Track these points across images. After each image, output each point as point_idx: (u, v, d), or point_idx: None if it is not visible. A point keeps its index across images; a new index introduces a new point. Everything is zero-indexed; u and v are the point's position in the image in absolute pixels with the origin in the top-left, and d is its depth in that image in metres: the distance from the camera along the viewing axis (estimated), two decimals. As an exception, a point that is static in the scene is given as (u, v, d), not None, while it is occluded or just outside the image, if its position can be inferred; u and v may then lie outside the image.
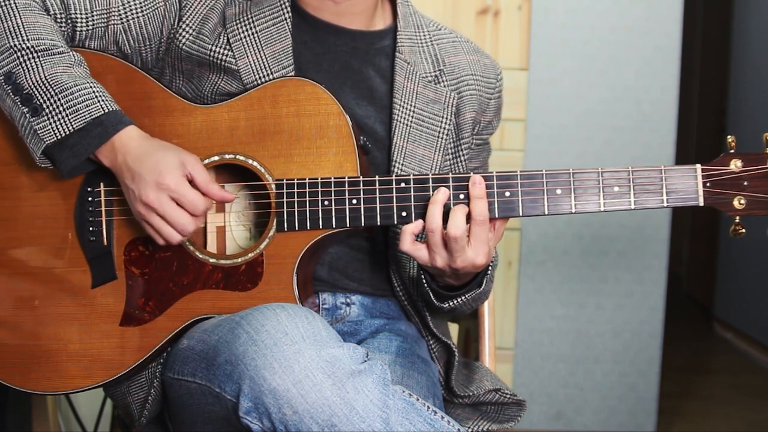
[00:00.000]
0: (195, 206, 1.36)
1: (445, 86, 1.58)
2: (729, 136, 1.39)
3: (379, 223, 1.41)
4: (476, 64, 1.63)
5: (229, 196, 1.40)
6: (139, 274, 1.45)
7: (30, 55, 1.37)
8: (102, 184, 1.45)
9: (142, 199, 1.35)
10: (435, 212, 1.37)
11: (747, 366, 4.27)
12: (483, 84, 1.63)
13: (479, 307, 1.75)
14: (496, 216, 1.39)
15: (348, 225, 1.41)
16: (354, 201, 1.41)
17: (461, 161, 1.60)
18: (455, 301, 1.48)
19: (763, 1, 4.33)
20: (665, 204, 1.37)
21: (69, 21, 1.45)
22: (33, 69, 1.36)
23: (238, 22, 1.51)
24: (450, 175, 1.40)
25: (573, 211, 1.39)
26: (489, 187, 1.39)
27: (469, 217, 1.36)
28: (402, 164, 1.53)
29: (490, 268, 1.48)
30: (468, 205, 1.37)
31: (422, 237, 1.41)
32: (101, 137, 1.36)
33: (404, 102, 1.54)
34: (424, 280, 1.48)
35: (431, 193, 1.39)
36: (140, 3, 1.49)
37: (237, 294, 1.43)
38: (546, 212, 1.39)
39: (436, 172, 1.54)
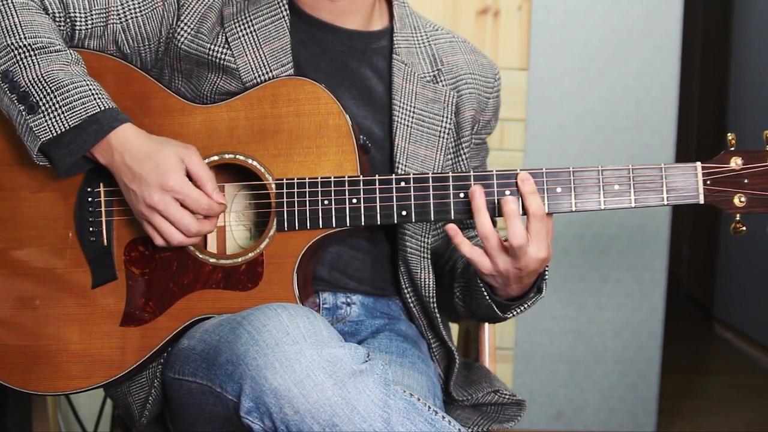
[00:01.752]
0: (198, 205, 1.36)
1: (444, 85, 1.58)
2: (729, 134, 1.39)
3: (379, 223, 1.41)
4: (474, 64, 1.63)
5: (218, 198, 1.38)
6: (139, 274, 1.45)
7: (27, 53, 1.37)
8: (102, 185, 1.45)
9: (146, 201, 1.35)
10: (483, 219, 1.36)
11: (747, 366, 4.27)
12: (481, 83, 1.63)
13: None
14: (497, 214, 1.39)
15: (348, 224, 1.41)
16: (354, 200, 1.41)
17: (462, 160, 1.60)
18: (518, 310, 1.49)
19: (763, 1, 4.33)
20: (665, 202, 1.37)
21: (68, 20, 1.45)
22: (29, 67, 1.36)
23: (236, 21, 1.51)
24: (450, 174, 1.40)
25: (573, 209, 1.39)
26: (489, 186, 1.39)
27: (525, 214, 1.36)
28: (405, 165, 1.53)
29: (546, 270, 1.47)
30: (522, 203, 1.37)
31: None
32: (97, 135, 1.36)
33: (403, 103, 1.54)
34: (485, 294, 1.46)
35: (431, 191, 1.39)
36: (139, 3, 1.49)
37: (237, 294, 1.43)
38: (546, 211, 1.39)
39: (438, 171, 1.54)
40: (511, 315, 1.50)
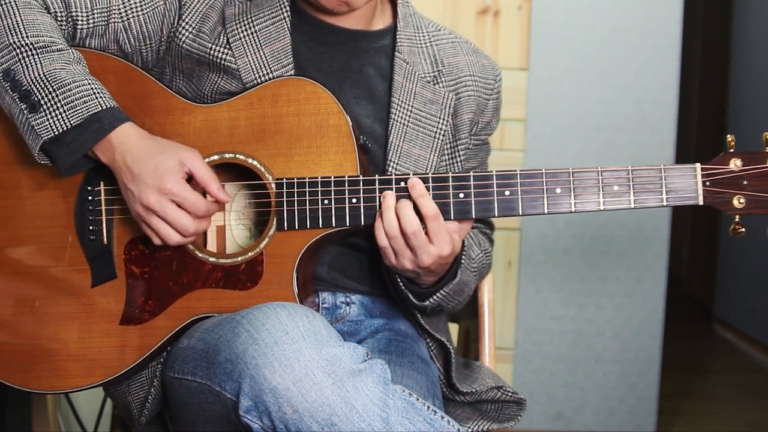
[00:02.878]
0: (196, 207, 1.36)
1: (443, 87, 1.58)
2: (729, 135, 1.39)
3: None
4: (475, 65, 1.64)
5: (224, 197, 1.40)
6: (139, 273, 1.45)
7: (29, 52, 1.37)
8: (102, 183, 1.46)
9: (143, 202, 1.35)
10: (391, 218, 1.38)
11: (747, 366, 4.27)
12: (482, 85, 1.63)
13: (479, 306, 1.75)
14: (496, 215, 1.39)
15: (348, 224, 1.41)
16: (354, 200, 1.41)
17: (458, 161, 1.61)
18: (435, 298, 1.49)
19: (763, 1, 4.33)
20: (665, 203, 1.37)
21: (70, 19, 1.45)
22: (31, 66, 1.36)
23: (237, 22, 1.51)
24: (449, 174, 1.40)
25: (573, 210, 1.39)
26: (489, 186, 1.39)
27: (422, 218, 1.38)
28: (397, 163, 1.53)
29: (463, 258, 1.48)
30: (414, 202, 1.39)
31: None
32: (98, 134, 1.36)
33: (402, 101, 1.54)
34: (401, 284, 1.48)
35: (431, 192, 1.39)
36: (140, 1, 1.49)
37: (237, 293, 1.43)
38: (546, 211, 1.39)
39: (433, 172, 1.54)
40: (429, 303, 1.50)
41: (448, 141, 1.58)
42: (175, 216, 1.36)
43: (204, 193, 1.40)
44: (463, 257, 1.48)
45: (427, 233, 1.38)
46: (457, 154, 1.60)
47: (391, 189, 1.40)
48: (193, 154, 1.38)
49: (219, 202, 1.40)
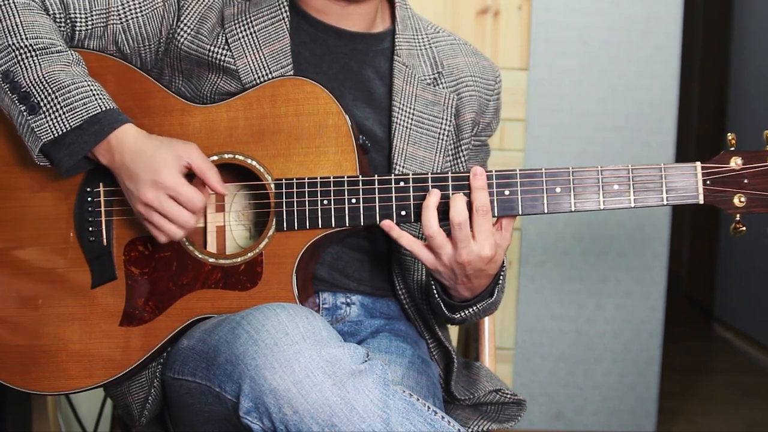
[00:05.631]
0: (192, 203, 1.36)
1: (444, 88, 1.58)
2: (729, 134, 1.39)
3: (378, 223, 1.41)
4: (475, 66, 1.63)
5: (222, 190, 1.39)
6: (138, 274, 1.45)
7: (28, 54, 1.37)
8: (101, 184, 1.46)
9: (142, 199, 1.35)
10: (430, 216, 1.37)
11: (747, 366, 4.27)
12: (482, 85, 1.63)
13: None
14: (496, 214, 1.39)
15: (347, 224, 1.41)
16: (353, 200, 1.41)
17: (461, 162, 1.60)
18: (466, 312, 1.48)
19: (763, 1, 4.33)
20: (665, 202, 1.37)
21: (68, 21, 1.45)
22: (31, 67, 1.36)
23: (236, 22, 1.51)
24: (449, 174, 1.40)
25: (573, 209, 1.39)
26: (489, 186, 1.39)
27: (470, 210, 1.36)
28: (403, 166, 1.53)
29: (501, 277, 1.47)
30: (469, 197, 1.37)
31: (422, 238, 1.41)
32: (98, 135, 1.36)
33: (403, 105, 1.54)
34: (434, 291, 1.47)
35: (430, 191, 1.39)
36: (139, 3, 1.49)
37: (236, 294, 1.43)
38: (545, 211, 1.39)
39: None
40: (459, 316, 1.49)
41: (451, 141, 1.58)
42: (174, 211, 1.36)
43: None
44: (501, 276, 1.47)
45: (472, 228, 1.37)
46: (460, 154, 1.60)
47: (391, 189, 1.40)
48: (190, 148, 1.38)
49: (218, 196, 1.40)
